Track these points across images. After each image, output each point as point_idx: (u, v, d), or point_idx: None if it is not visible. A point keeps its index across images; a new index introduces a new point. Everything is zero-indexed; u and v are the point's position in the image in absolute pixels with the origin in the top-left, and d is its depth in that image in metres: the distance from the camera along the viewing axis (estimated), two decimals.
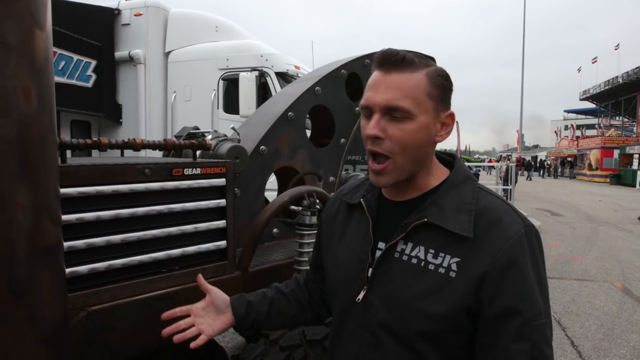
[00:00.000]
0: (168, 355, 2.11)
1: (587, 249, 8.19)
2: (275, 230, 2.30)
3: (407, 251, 0.98)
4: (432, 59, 1.01)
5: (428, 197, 1.00)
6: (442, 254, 0.94)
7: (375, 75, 0.97)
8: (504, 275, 0.89)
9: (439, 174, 1.04)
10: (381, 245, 1.03)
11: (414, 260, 0.96)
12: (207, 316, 1.21)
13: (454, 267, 0.92)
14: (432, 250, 0.95)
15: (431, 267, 0.94)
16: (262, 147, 2.18)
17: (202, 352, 2.29)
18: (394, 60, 0.93)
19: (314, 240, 1.86)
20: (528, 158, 45.08)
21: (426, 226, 0.96)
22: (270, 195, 2.25)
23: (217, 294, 1.23)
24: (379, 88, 0.95)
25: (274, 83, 5.61)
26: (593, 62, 42.66)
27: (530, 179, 32.54)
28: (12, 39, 0.85)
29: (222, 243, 1.71)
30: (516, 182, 13.64)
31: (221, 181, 1.68)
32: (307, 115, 2.51)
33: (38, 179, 0.91)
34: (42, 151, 0.91)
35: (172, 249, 1.59)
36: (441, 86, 0.96)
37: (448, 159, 1.09)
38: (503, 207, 0.97)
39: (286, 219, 2.27)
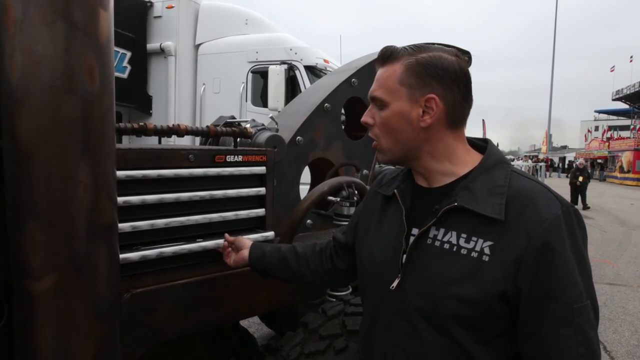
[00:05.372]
0: (201, 340, 2.14)
1: (619, 253, 7.93)
2: (309, 221, 2.29)
3: (440, 237, 0.98)
4: (444, 49, 1.01)
5: (460, 182, 1.00)
6: (474, 238, 0.93)
7: None
8: (541, 258, 0.87)
9: (470, 160, 1.03)
10: (415, 231, 1.04)
11: (446, 246, 0.96)
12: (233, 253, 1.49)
13: (486, 250, 0.91)
14: (464, 235, 0.94)
15: (463, 251, 0.93)
16: (298, 137, 2.18)
17: (233, 339, 2.31)
18: (380, 57, 1.04)
19: None
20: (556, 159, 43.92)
21: (458, 211, 0.96)
22: (301, 188, 2.25)
23: (240, 239, 1.50)
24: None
25: (302, 76, 5.61)
26: (630, 61, 41.29)
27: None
28: (78, 17, 0.86)
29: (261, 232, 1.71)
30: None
31: (262, 169, 1.68)
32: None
33: (98, 157, 0.92)
34: (103, 130, 0.93)
35: (213, 234, 1.60)
36: (418, 73, 0.98)
37: (483, 144, 1.08)
38: (537, 189, 0.95)
39: (319, 210, 2.26)
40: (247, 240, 1.50)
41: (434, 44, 1.06)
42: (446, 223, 0.97)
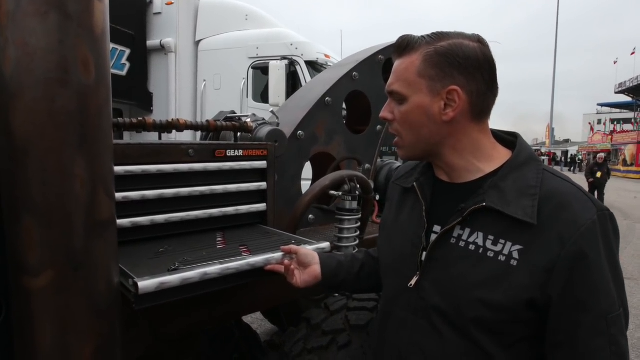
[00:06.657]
0: (203, 336, 2.13)
1: (622, 246, 7.86)
2: (311, 216, 2.28)
3: (465, 237, 0.92)
4: (465, 35, 0.94)
5: (487, 180, 0.94)
6: (502, 241, 0.88)
7: None
8: (575, 267, 0.82)
9: (497, 155, 0.98)
10: (437, 228, 0.99)
11: (472, 247, 0.91)
12: (298, 269, 1.26)
13: (515, 255, 0.86)
14: (491, 237, 0.89)
15: (490, 254, 0.88)
16: (299, 132, 2.15)
17: (236, 336, 2.30)
18: (397, 47, 0.98)
19: (354, 225, 1.85)
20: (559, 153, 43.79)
21: (485, 211, 0.90)
22: (303, 184, 2.23)
23: (302, 250, 1.27)
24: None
25: (303, 72, 5.58)
26: (632, 54, 41.15)
27: None
28: (72, 8, 0.84)
29: None
30: None
31: (262, 164, 1.67)
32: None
33: (95, 151, 0.91)
34: (99, 123, 0.91)
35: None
36: (438, 63, 0.92)
37: (510, 139, 1.02)
38: (572, 191, 0.89)
39: (322, 205, 2.24)
40: (310, 251, 1.28)
41: None
42: (472, 223, 0.92)
